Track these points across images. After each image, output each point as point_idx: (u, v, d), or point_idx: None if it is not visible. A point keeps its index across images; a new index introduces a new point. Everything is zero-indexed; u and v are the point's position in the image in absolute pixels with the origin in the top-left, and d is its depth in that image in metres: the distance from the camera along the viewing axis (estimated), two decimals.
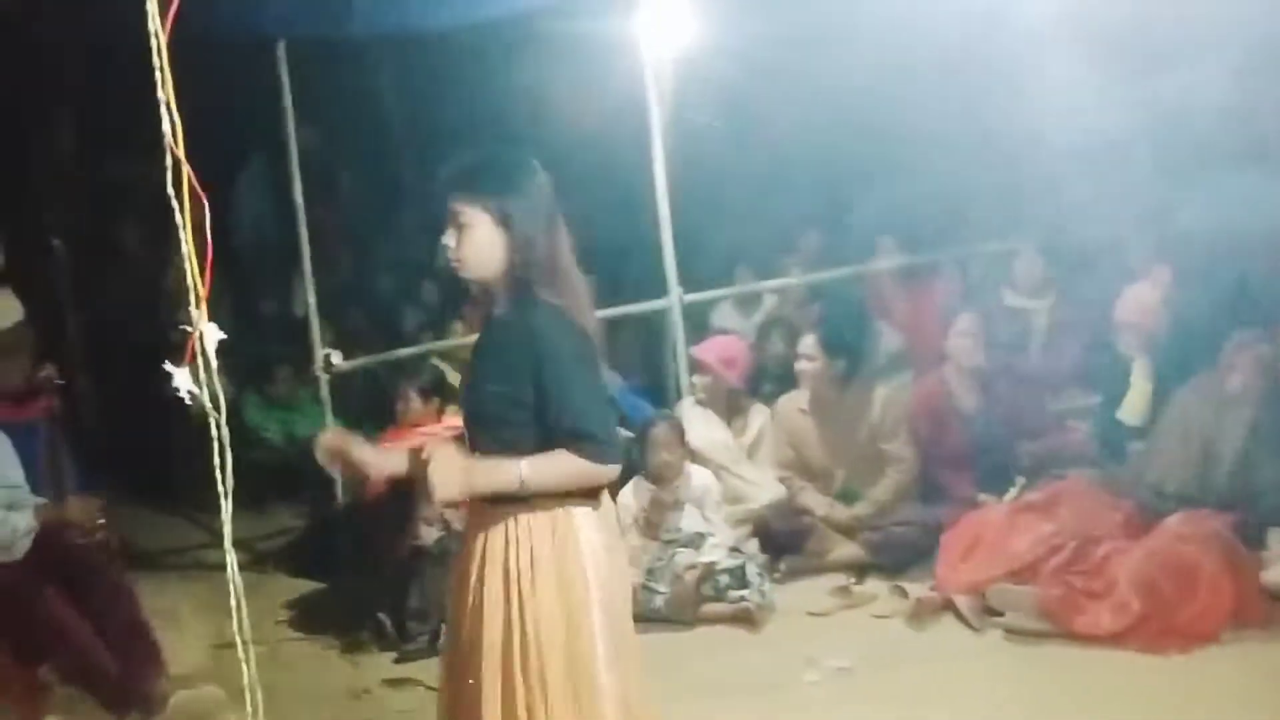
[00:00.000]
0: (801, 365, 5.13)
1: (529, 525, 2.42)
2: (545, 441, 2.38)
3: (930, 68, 5.71)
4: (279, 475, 5.93)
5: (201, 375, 1.36)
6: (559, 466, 2.36)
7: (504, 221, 2.40)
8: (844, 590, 4.70)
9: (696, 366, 5.39)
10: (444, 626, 2.77)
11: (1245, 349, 4.41)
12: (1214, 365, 4.49)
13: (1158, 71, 5.34)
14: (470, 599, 2.46)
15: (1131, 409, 4.84)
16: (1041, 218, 6.24)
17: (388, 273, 8.25)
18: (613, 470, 2.44)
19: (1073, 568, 4.18)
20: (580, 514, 2.44)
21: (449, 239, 2.40)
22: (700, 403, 5.31)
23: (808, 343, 5.14)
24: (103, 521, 4.36)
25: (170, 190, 1.25)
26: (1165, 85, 5.52)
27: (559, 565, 2.41)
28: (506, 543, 2.43)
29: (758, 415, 5.33)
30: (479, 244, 2.40)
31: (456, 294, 7.63)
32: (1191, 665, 3.84)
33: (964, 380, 5.08)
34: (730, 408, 5.32)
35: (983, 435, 5.00)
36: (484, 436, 2.45)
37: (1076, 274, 6.02)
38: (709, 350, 5.39)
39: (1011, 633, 4.17)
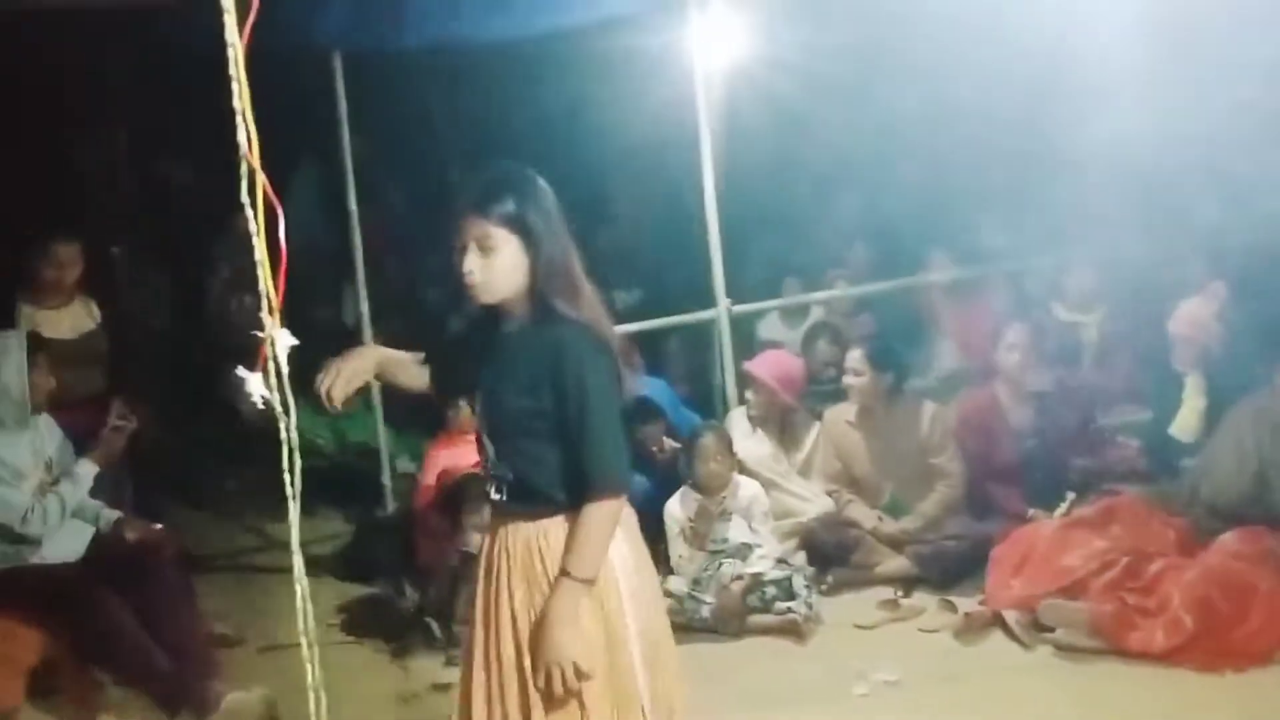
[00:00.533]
0: (849, 379, 5.11)
1: (557, 535, 2.40)
2: (566, 452, 2.38)
3: (983, 81, 5.67)
4: (329, 481, 5.98)
5: (272, 380, 1.40)
6: (596, 531, 2.36)
7: (530, 239, 2.35)
8: (892, 603, 4.68)
9: (749, 382, 5.37)
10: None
11: None
12: (1270, 382, 4.43)
13: (1211, 83, 5.30)
14: (496, 611, 2.43)
15: (1184, 425, 4.78)
16: (1094, 231, 6.18)
17: (437, 282, 8.32)
18: (627, 490, 2.49)
19: (1125, 584, 4.14)
20: None
21: (471, 264, 2.33)
22: (752, 420, 5.28)
23: (855, 357, 5.12)
24: (159, 527, 4.44)
25: (245, 199, 1.28)
26: (1219, 98, 5.47)
27: None
28: (532, 553, 2.41)
29: (811, 431, 5.30)
30: (507, 266, 2.35)
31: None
32: (1245, 685, 3.79)
33: (1014, 394, 5.05)
34: (783, 424, 5.30)
35: (1033, 450, 4.96)
36: (506, 449, 2.44)
37: (1129, 288, 5.97)
38: (762, 365, 5.36)
39: (1062, 649, 4.13)
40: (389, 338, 6.38)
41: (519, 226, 2.33)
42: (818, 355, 5.84)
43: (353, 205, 5.50)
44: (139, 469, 5.89)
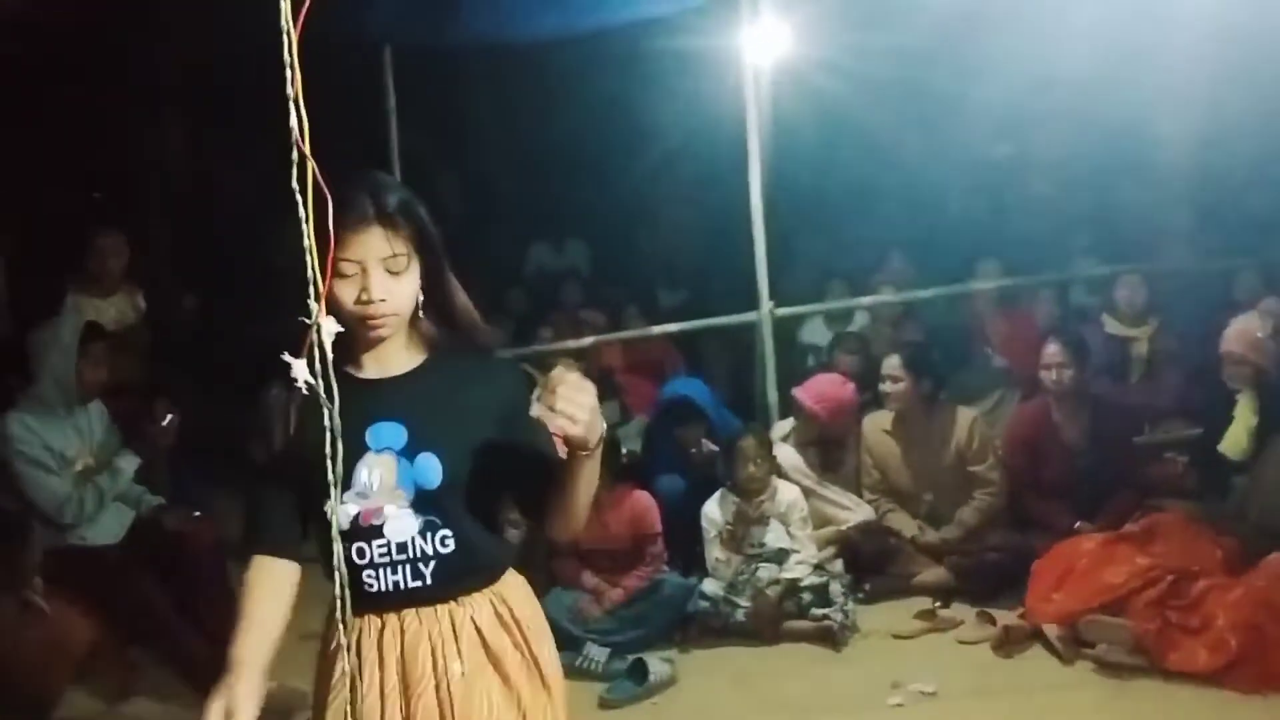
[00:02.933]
0: (885, 386, 5.06)
1: (516, 594, 2.11)
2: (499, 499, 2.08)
3: (1036, 85, 5.62)
4: None
5: (317, 366, 1.40)
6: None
7: (429, 255, 1.95)
8: (929, 614, 4.63)
9: (795, 407, 5.30)
10: None
11: None
12: None
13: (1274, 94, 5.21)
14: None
15: (1235, 443, 4.70)
16: (1145, 243, 6.11)
17: (478, 279, 8.35)
18: None
19: (1168, 602, 4.07)
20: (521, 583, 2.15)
21: (381, 288, 1.85)
22: (787, 442, 5.21)
23: (892, 363, 5.06)
24: (198, 515, 4.47)
25: (295, 185, 1.28)
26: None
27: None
28: (486, 628, 2.05)
29: (852, 450, 5.24)
30: (412, 290, 1.93)
31: (545, 301, 7.72)
32: None
33: (1060, 407, 4.98)
34: (827, 447, 5.23)
35: (1078, 463, 4.90)
36: (447, 517, 1.99)
37: (1180, 302, 5.89)
38: (810, 393, 5.21)
39: (1102, 666, 4.07)
40: None
41: (422, 241, 1.93)
42: (840, 367, 5.77)
43: None
44: (181, 456, 5.96)
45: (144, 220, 6.32)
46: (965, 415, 5.06)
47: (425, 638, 1.99)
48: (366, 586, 1.97)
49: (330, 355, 1.42)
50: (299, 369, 1.42)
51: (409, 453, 1.92)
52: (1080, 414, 4.96)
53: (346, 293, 1.82)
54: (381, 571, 1.97)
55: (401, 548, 1.95)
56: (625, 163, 7.60)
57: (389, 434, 1.93)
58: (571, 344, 6.32)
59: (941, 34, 5.66)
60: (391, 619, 2.00)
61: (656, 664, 4.26)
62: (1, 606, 3.86)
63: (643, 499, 4.73)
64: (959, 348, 6.02)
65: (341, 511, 1.88)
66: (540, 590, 4.51)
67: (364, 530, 1.94)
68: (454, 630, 2.00)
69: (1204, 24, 5.00)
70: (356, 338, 1.86)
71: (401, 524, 1.94)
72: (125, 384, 5.00)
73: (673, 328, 6.23)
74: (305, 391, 1.44)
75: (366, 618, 2.00)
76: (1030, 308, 6.24)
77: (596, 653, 4.38)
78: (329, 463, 1.41)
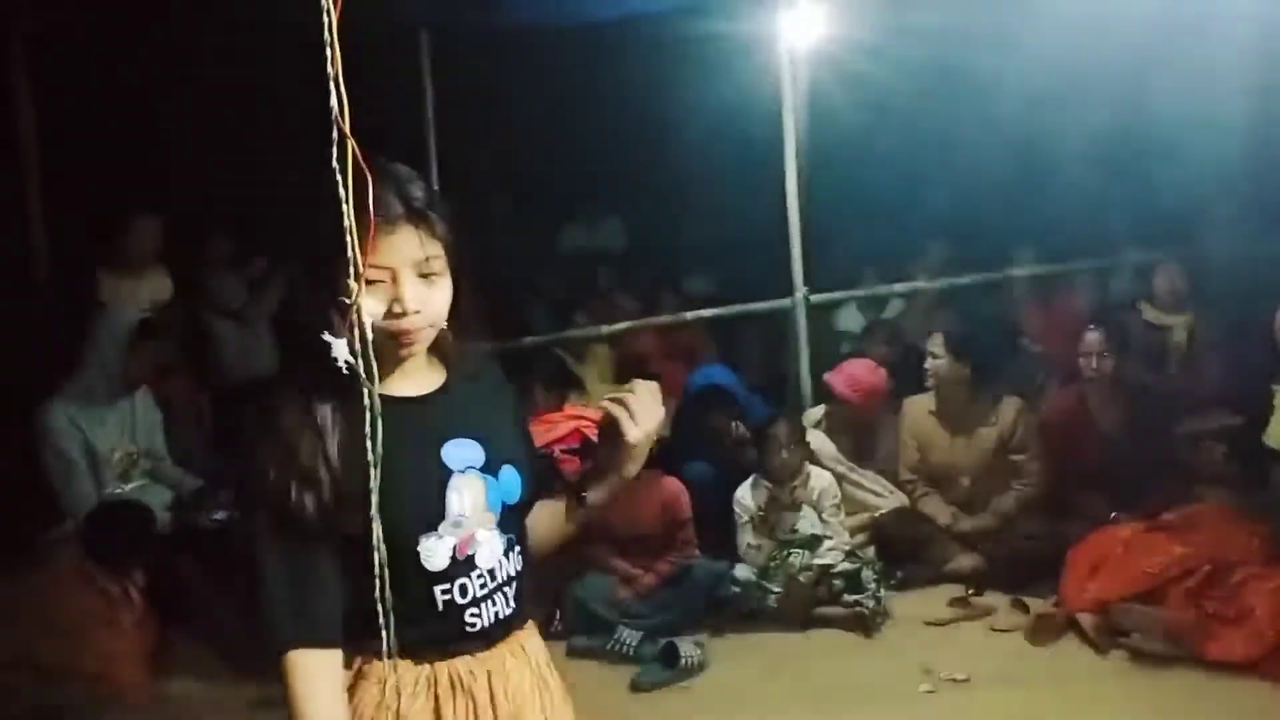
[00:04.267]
0: (930, 363, 5.04)
1: (535, 641, 1.88)
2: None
3: (1079, 70, 5.56)
4: None
5: (357, 346, 1.40)
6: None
7: (457, 256, 1.72)
8: (962, 601, 4.62)
9: (827, 393, 5.29)
10: None
11: None
12: None
13: None
14: None
15: (1276, 434, 4.65)
16: (1185, 230, 6.04)
17: (512, 262, 8.37)
18: None
19: (1205, 592, 4.05)
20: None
21: (410, 296, 1.60)
22: (819, 428, 5.20)
23: (936, 340, 5.05)
24: (225, 502, 4.50)
25: (335, 164, 1.28)
26: None
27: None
28: (526, 680, 1.81)
29: (887, 438, 5.22)
30: (446, 291, 1.69)
31: (579, 285, 7.73)
32: None
33: (1098, 395, 4.94)
34: (859, 434, 5.22)
35: (1115, 451, 4.86)
36: (515, 542, 1.79)
37: (1219, 291, 5.82)
38: (841, 379, 5.21)
39: (1137, 655, 4.04)
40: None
41: (452, 242, 1.69)
42: (873, 353, 5.73)
43: (434, 184, 5.53)
44: (220, 440, 6.02)
45: (184, 203, 6.35)
46: (1011, 404, 5.03)
47: (523, 670, 1.80)
48: (469, 627, 1.72)
49: (370, 335, 1.42)
50: (339, 348, 1.42)
51: (491, 469, 1.74)
52: (1118, 402, 4.92)
53: (375, 304, 1.55)
54: (484, 606, 1.73)
55: (493, 574, 1.74)
56: (661, 146, 7.59)
57: (467, 452, 1.72)
58: (605, 329, 6.32)
59: (980, 16, 5.60)
60: (486, 658, 1.74)
61: (688, 648, 4.26)
62: (109, 593, 3.91)
63: (673, 484, 4.73)
64: (996, 336, 5.97)
65: (437, 550, 1.66)
66: (573, 575, 4.58)
67: (461, 565, 1.70)
68: (526, 654, 1.82)
69: (1251, 3, 4.93)
70: (383, 355, 1.56)
71: (491, 548, 1.73)
72: (162, 365, 5.06)
73: (707, 313, 6.23)
74: (345, 371, 1.43)
75: (437, 665, 1.71)
76: (1069, 295, 6.18)
77: (629, 636, 4.39)
78: (369, 443, 1.40)
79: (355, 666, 1.66)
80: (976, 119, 6.30)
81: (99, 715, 3.59)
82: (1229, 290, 5.79)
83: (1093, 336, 4.93)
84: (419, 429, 1.66)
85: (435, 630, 1.68)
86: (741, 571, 4.65)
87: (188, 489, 4.58)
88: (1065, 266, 6.10)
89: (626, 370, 6.84)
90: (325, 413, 1.59)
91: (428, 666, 1.69)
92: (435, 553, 1.66)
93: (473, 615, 1.71)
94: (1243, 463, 4.79)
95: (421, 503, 1.65)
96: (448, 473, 1.68)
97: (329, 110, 1.25)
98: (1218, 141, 5.83)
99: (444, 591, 1.68)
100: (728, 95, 6.11)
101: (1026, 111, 5.86)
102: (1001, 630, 4.38)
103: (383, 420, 1.44)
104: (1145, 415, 4.91)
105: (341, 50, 1.29)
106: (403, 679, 1.66)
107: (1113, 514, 4.64)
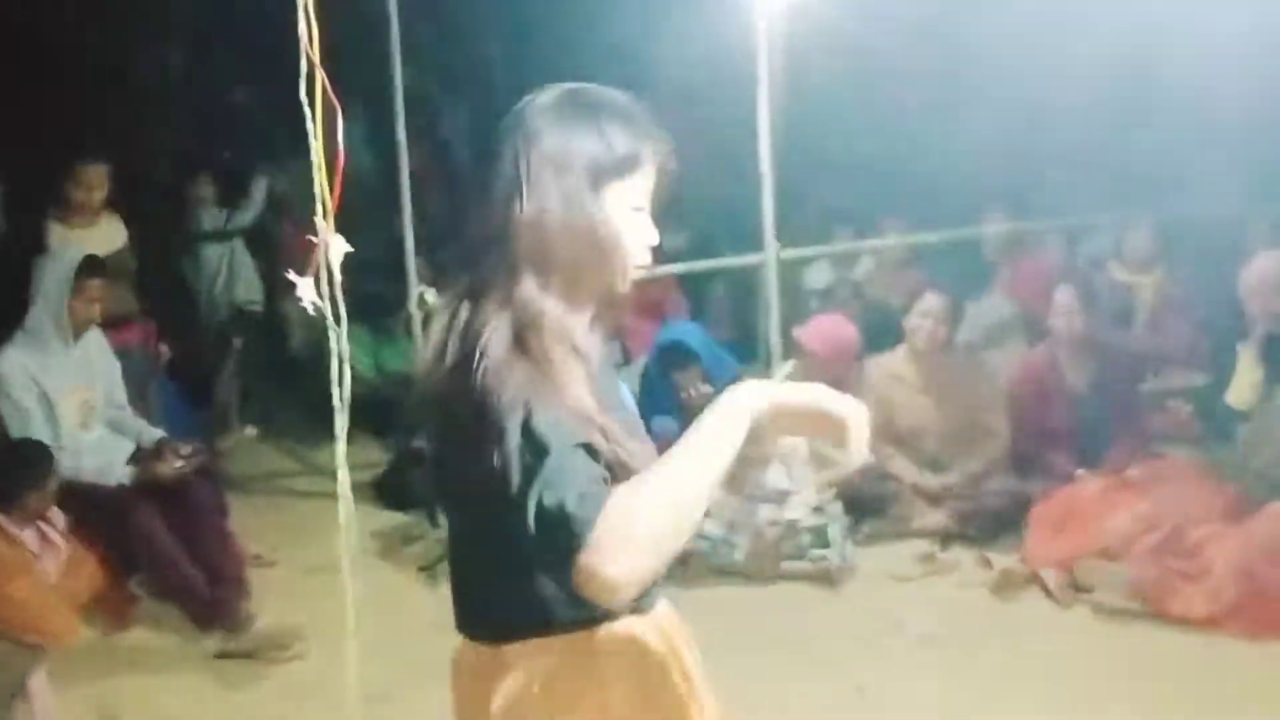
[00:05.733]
0: (914, 323, 5.02)
1: None
2: None
3: (1055, 26, 5.52)
4: (368, 409, 5.98)
5: (324, 288, 1.36)
6: None
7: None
8: (928, 557, 4.64)
9: (797, 349, 5.25)
10: None
11: None
12: None
13: None
14: None
15: (1239, 395, 4.69)
16: (1153, 190, 6.05)
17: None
18: None
19: (1168, 548, 4.08)
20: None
21: (648, 224, 1.59)
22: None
23: (929, 301, 5.00)
24: (189, 452, 4.44)
25: (303, 97, 1.23)
26: None
27: None
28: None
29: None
30: None
31: None
32: None
33: (1067, 354, 4.95)
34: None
35: (1082, 409, 4.88)
36: None
37: (1187, 250, 5.85)
38: (812, 334, 5.18)
39: (1099, 610, 4.08)
40: (434, 267, 6.41)
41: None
42: (843, 309, 5.70)
43: (401, 135, 5.43)
44: (183, 390, 5.95)
45: (144, 149, 6.25)
46: (979, 361, 5.03)
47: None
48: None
49: (339, 276, 1.38)
50: (305, 288, 1.37)
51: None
52: (1086, 361, 4.93)
53: (637, 241, 1.56)
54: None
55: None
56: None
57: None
58: None
59: None
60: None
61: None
62: (20, 540, 3.84)
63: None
64: (966, 294, 5.97)
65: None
66: None
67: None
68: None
69: None
70: (614, 302, 1.58)
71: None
72: (117, 315, 4.98)
73: (677, 268, 6.18)
74: (311, 312, 1.39)
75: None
76: (1040, 253, 6.19)
77: None
78: (335, 389, 1.36)
79: None
80: (953, 77, 6.27)
81: (34, 666, 3.53)
82: (1196, 250, 5.82)
83: (1064, 295, 4.93)
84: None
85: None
86: (708, 526, 4.64)
87: (149, 439, 4.51)
88: (1036, 224, 6.09)
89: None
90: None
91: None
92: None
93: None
94: (1207, 421, 4.83)
95: None
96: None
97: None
98: (1189, 102, 5.83)
99: None
100: (700, 49, 6.03)
101: (1002, 69, 5.82)
102: (966, 586, 4.41)
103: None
104: (1112, 374, 4.93)
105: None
106: None
107: (1078, 471, 4.68)
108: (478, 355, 1.40)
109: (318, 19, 1.27)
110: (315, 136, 1.24)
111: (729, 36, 5.50)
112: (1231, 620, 3.86)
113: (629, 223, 1.54)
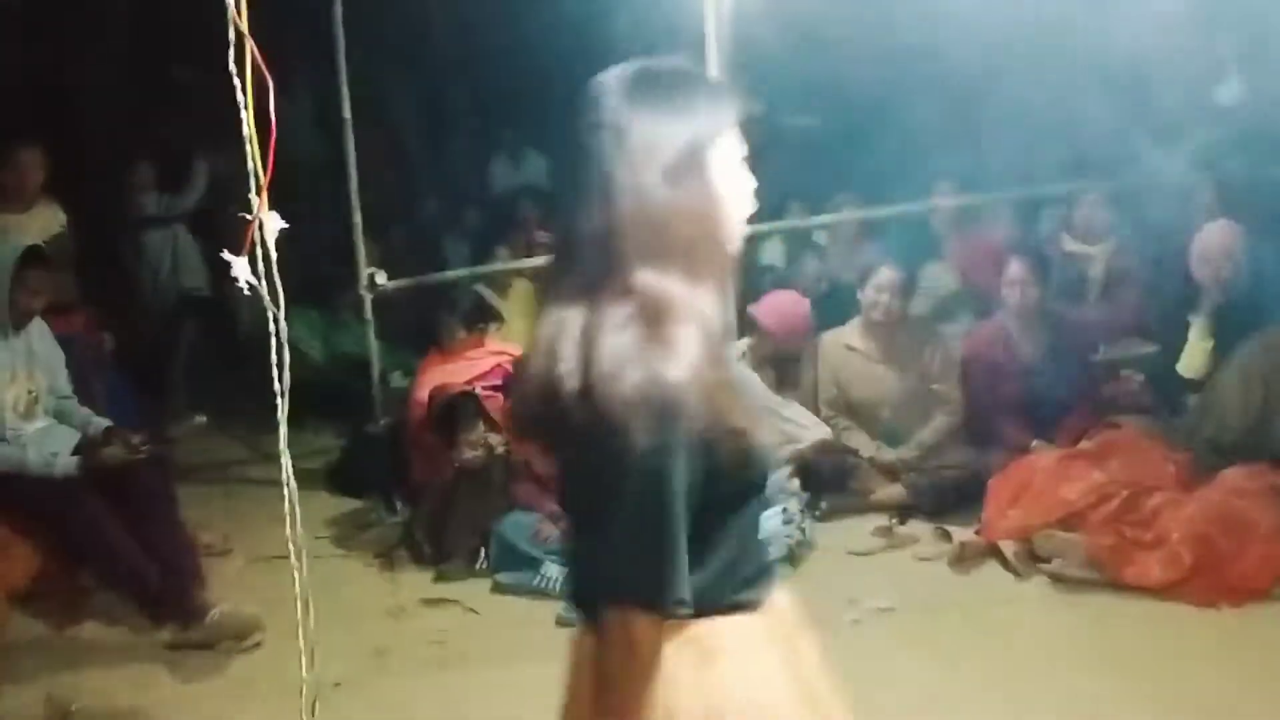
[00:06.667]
0: (870, 297, 5.01)
1: None
2: None
3: (1007, 6, 5.52)
4: (320, 394, 5.92)
5: (260, 267, 1.30)
6: None
7: None
8: (886, 531, 4.65)
9: (751, 325, 5.23)
10: None
11: None
12: (1277, 320, 4.37)
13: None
14: None
15: (1190, 364, 4.73)
16: (1104, 162, 6.08)
17: (435, 197, 8.20)
18: None
19: (1123, 517, 4.11)
20: None
21: (746, 173, 1.61)
22: (742, 360, 5.15)
23: (884, 275, 4.99)
24: (137, 441, 4.35)
25: (232, 68, 1.18)
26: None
27: None
28: None
29: (809, 372, 5.19)
30: None
31: (502, 219, 7.59)
32: (1241, 619, 3.77)
33: (1020, 326, 4.97)
34: (783, 366, 5.18)
35: (1036, 381, 4.90)
36: None
37: (1137, 221, 5.88)
38: (766, 310, 5.14)
39: (1057, 580, 4.10)
40: (383, 247, 6.32)
41: None
42: (796, 285, 5.68)
43: (346, 113, 5.35)
44: (128, 379, 5.84)
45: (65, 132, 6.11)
46: (932, 333, 5.04)
47: None
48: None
49: (274, 254, 1.32)
50: (239, 268, 1.32)
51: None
52: (1039, 332, 4.96)
53: (740, 196, 1.57)
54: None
55: None
56: (579, 78, 7.43)
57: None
58: (528, 264, 6.22)
59: None
60: None
61: None
62: None
63: None
64: (919, 267, 5.98)
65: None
66: (500, 513, 4.53)
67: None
68: None
69: None
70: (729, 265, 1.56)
71: None
72: (58, 303, 4.87)
73: None
74: (247, 292, 1.34)
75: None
76: (992, 226, 6.20)
77: (555, 572, 4.35)
78: (275, 372, 1.31)
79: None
80: (903, 50, 6.25)
81: None
82: (1145, 221, 5.85)
83: (1017, 267, 4.94)
84: None
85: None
86: None
87: (96, 429, 4.41)
88: (988, 196, 6.11)
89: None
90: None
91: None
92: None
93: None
94: (1158, 391, 4.87)
95: None
96: None
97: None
98: (1138, 73, 5.86)
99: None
100: (649, 20, 5.97)
101: (953, 42, 5.82)
102: (925, 559, 4.42)
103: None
104: (1065, 345, 4.95)
105: None
106: None
107: (1033, 443, 4.70)
108: (608, 355, 1.38)
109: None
110: (246, 107, 1.19)
111: (677, 12, 5.45)
112: (1187, 587, 3.89)
113: (730, 181, 1.55)
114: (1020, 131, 6.22)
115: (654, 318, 1.40)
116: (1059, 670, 3.54)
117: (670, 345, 1.39)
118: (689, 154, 1.48)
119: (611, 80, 1.55)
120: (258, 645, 3.97)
